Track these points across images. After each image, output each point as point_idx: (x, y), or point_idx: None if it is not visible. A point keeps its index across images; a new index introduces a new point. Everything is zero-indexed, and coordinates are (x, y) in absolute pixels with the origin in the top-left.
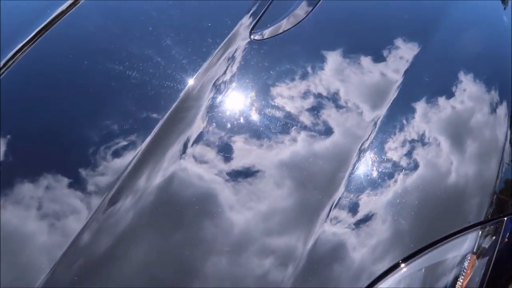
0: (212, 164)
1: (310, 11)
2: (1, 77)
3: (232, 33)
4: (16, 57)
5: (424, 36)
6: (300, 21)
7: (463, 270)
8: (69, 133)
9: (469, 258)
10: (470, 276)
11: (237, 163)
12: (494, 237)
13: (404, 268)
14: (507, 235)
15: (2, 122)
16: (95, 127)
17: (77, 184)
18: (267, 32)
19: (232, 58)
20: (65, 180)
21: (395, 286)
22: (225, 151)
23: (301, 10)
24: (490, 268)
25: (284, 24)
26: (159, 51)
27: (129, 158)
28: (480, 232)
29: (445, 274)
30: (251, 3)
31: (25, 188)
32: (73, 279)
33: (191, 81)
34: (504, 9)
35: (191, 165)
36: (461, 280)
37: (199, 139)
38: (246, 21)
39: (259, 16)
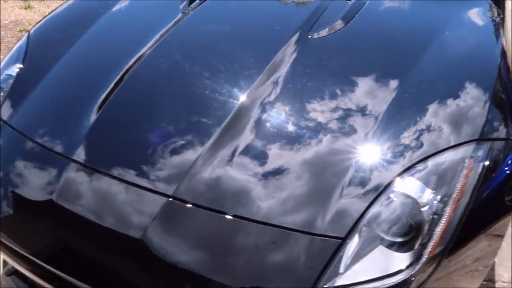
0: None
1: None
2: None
3: (294, 35)
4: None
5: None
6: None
7: (465, 168)
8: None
9: (468, 161)
10: (470, 174)
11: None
12: (490, 151)
13: (427, 163)
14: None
15: None
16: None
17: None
18: (323, 33)
19: (291, 56)
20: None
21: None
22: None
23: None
24: (484, 171)
25: (337, 26)
26: (237, 47)
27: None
28: (476, 145)
29: (453, 170)
30: (305, 9)
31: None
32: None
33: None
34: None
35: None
36: (463, 177)
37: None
38: (304, 24)
39: (316, 19)
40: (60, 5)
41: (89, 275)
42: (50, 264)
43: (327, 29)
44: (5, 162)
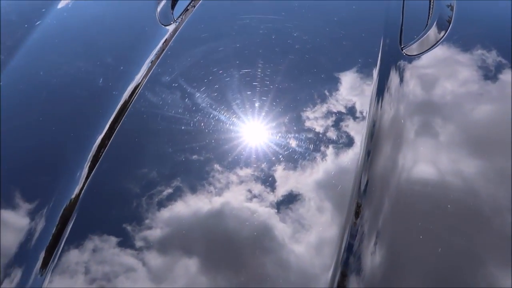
0: None
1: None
2: None
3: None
4: None
5: None
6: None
7: None
8: None
9: None
10: None
11: None
12: None
13: None
14: None
15: None
16: None
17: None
18: (416, 46)
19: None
20: None
21: None
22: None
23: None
24: None
25: (432, 34)
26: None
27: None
28: None
29: None
30: (382, 16)
31: None
32: None
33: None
34: None
35: None
36: None
37: None
38: (389, 35)
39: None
40: None
41: None
42: None
43: (419, 41)
44: None
